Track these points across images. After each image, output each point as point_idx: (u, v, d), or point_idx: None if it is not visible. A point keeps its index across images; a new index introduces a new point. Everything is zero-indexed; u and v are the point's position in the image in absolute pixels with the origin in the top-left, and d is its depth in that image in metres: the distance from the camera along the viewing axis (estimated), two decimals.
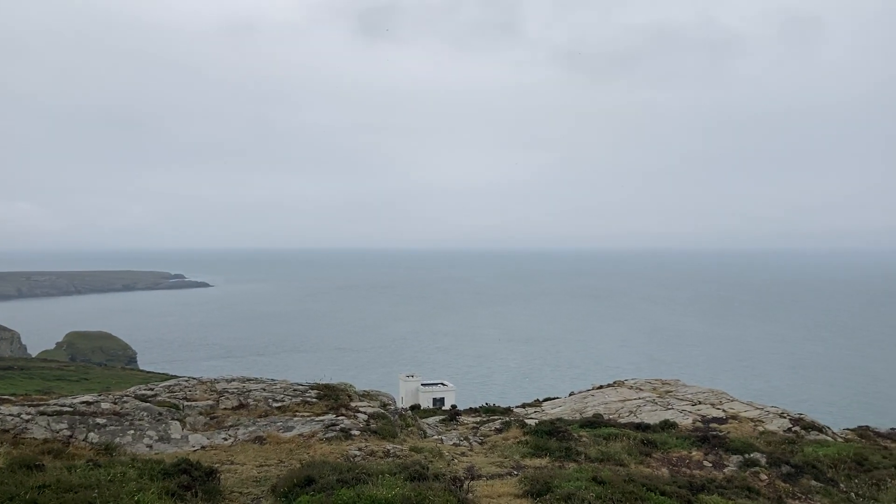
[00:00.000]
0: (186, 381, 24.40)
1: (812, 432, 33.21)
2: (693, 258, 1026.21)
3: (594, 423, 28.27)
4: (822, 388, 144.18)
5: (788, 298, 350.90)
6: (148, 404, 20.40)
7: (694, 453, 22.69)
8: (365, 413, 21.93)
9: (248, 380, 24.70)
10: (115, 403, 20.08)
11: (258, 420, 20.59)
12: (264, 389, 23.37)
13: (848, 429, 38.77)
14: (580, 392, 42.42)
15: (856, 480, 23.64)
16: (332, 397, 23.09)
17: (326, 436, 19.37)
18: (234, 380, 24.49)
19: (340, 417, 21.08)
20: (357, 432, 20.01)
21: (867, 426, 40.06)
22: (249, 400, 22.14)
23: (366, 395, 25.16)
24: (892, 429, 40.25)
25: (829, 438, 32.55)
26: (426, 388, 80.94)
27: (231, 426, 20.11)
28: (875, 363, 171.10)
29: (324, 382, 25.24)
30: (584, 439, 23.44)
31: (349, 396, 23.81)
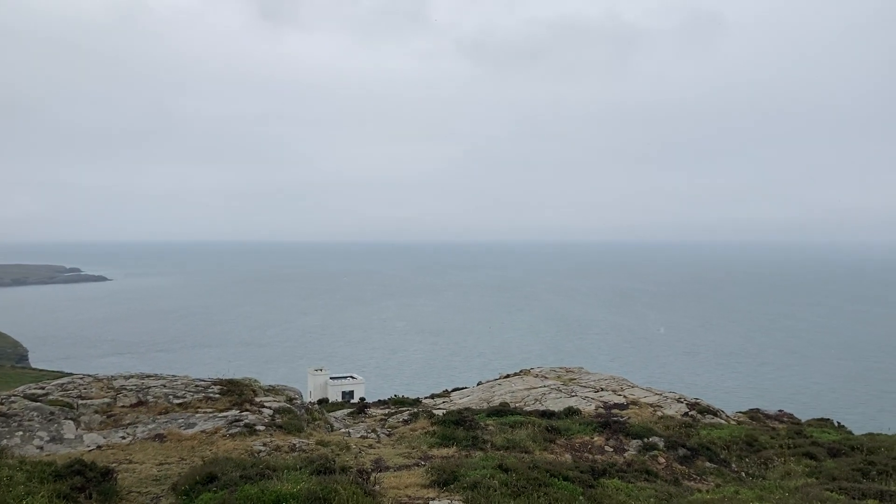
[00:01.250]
0: (81, 378, 23.37)
1: (707, 416, 34.74)
2: (599, 250, 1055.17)
3: (501, 411, 28.69)
4: (716, 373, 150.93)
5: (687, 288, 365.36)
6: (38, 404, 19.44)
7: (596, 439, 23.35)
8: (270, 408, 21.56)
9: (148, 376, 23.87)
10: (2, 404, 19.04)
11: (158, 417, 19.95)
12: (165, 386, 22.65)
13: (740, 412, 40.75)
14: (488, 381, 42.99)
15: (746, 460, 24.87)
16: (236, 393, 22.59)
17: (230, 432, 18.94)
18: (132, 376, 23.62)
19: (245, 413, 20.66)
20: (262, 427, 19.66)
21: (757, 409, 42.20)
22: (149, 397, 21.41)
23: (271, 390, 24.73)
24: (779, 410, 42.53)
25: (722, 421, 34.12)
26: (335, 381, 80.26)
27: (129, 424, 19.41)
28: (764, 349, 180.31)
29: (227, 378, 24.67)
30: (491, 428, 23.76)
31: (254, 391, 23.35)
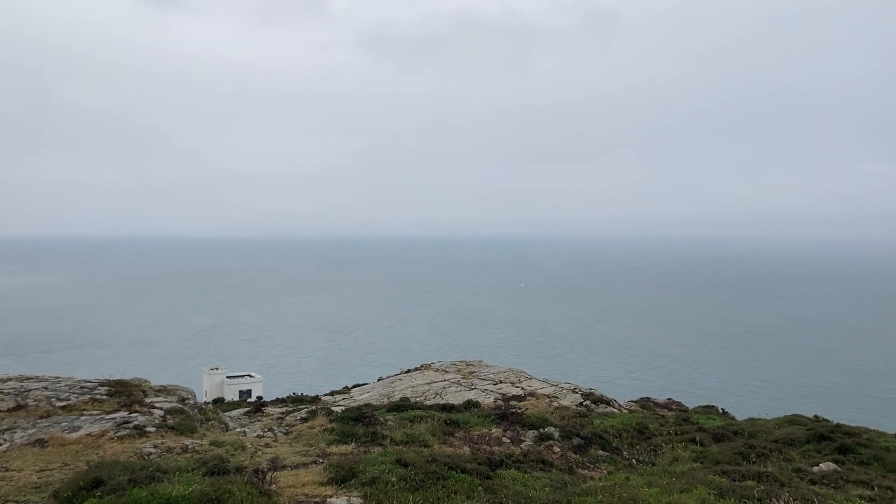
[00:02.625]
0: None
1: (601, 405, 35.86)
2: (500, 245, 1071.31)
3: (401, 406, 28.72)
4: (610, 363, 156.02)
5: (584, 282, 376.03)
6: None
7: (494, 430, 23.70)
8: (161, 409, 20.81)
9: (28, 378, 22.59)
10: None
11: (39, 421, 18.92)
12: (47, 388, 21.49)
13: (632, 400, 42.26)
14: (388, 377, 42.95)
15: (637, 447, 25.81)
16: (125, 394, 21.69)
17: (118, 434, 18.17)
18: (9, 379, 22.30)
19: (134, 414, 19.87)
20: (153, 429, 18.95)
21: (648, 397, 43.86)
22: (29, 400, 20.27)
23: (163, 390, 23.89)
24: (668, 399, 44.34)
25: (615, 410, 35.29)
26: (232, 380, 78.42)
27: (6, 430, 18.32)
28: (655, 340, 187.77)
29: (116, 378, 23.65)
30: (391, 423, 23.75)
31: (144, 392, 22.49)
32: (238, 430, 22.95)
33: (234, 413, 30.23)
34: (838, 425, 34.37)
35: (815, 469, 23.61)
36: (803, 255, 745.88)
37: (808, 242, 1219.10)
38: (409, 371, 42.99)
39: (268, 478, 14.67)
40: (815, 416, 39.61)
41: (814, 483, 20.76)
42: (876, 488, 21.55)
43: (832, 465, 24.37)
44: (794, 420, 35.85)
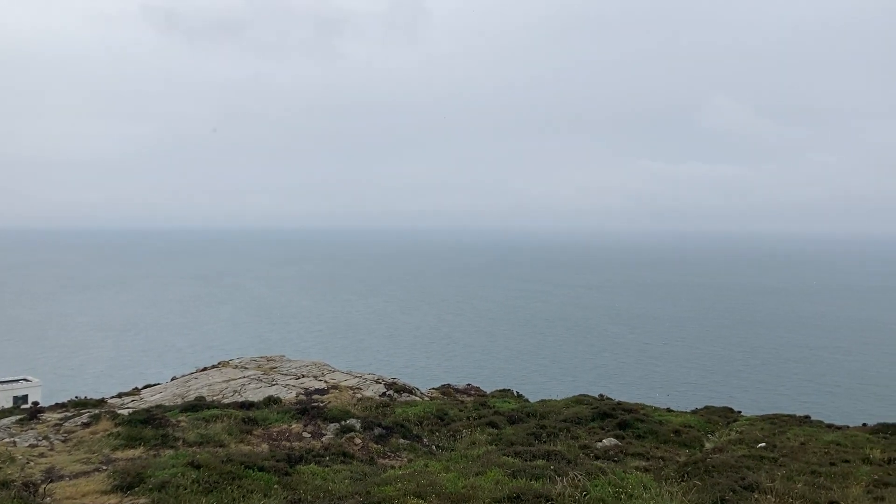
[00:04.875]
0: None
1: (404, 394, 36.35)
2: (305, 237, 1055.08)
3: (196, 406, 27.40)
4: (414, 353, 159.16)
5: (389, 274, 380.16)
6: None
7: (294, 426, 23.24)
8: None
9: None
10: None
11: None
12: None
13: (434, 388, 43.24)
14: (183, 376, 40.89)
15: (437, 434, 26.40)
16: None
17: None
18: None
19: None
20: None
21: (448, 384, 45.08)
22: None
23: None
24: (468, 384, 45.85)
25: (417, 398, 35.91)
26: (4, 385, 71.18)
27: None
28: (455, 328, 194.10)
29: None
30: (184, 424, 22.56)
31: None
32: (6, 440, 20.73)
33: (4, 422, 27.35)
34: (619, 403, 37.26)
35: (599, 445, 25.40)
36: (595, 244, 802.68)
37: (594, 233, 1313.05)
38: (205, 369, 41.17)
39: (41, 490, 13.37)
40: (600, 395, 42.69)
41: (598, 458, 22.31)
42: (650, 459, 23.58)
43: (614, 441, 26.35)
44: (580, 400, 38.36)
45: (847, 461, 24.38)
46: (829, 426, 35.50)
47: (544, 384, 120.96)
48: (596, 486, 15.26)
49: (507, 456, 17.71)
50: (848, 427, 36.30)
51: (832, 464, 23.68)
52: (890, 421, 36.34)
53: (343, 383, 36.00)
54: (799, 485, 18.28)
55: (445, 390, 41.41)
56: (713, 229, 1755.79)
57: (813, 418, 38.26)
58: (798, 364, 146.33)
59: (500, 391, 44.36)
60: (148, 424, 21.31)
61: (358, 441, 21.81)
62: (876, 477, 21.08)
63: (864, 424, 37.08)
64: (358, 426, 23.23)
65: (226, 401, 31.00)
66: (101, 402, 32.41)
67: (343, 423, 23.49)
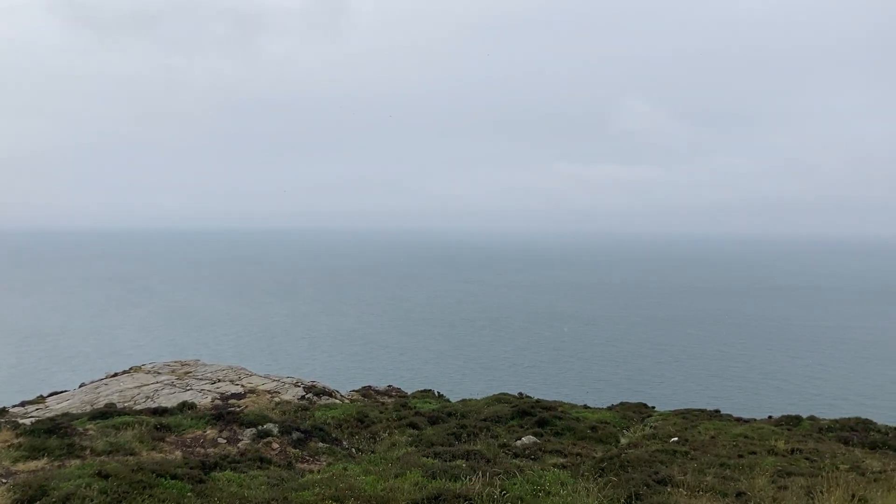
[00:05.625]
0: None
1: (323, 397, 35.91)
2: (221, 237, 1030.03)
3: (106, 413, 26.38)
4: (335, 355, 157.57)
5: (308, 275, 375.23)
6: None
7: (209, 432, 22.64)
8: None
9: None
10: None
11: None
12: None
13: (354, 390, 42.90)
14: (93, 382, 39.37)
15: (357, 436, 26.19)
16: None
17: None
18: None
19: None
20: None
21: (369, 386, 44.84)
22: None
23: None
24: (388, 385, 45.68)
25: (337, 401, 35.55)
26: None
27: None
28: (377, 330, 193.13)
29: None
30: (92, 432, 21.68)
31: None
32: None
33: None
34: (538, 401, 37.82)
35: (518, 443, 25.69)
36: (513, 245, 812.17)
37: (516, 233, 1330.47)
38: (116, 375, 39.74)
39: None
40: (520, 394, 43.25)
41: (517, 456, 22.55)
42: (568, 455, 23.98)
43: (532, 438, 26.70)
44: (500, 399, 38.78)
45: (754, 453, 25.40)
46: (738, 420, 36.95)
47: (465, 384, 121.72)
48: (514, 484, 15.39)
49: (427, 457, 17.68)
50: (755, 420, 37.86)
51: (740, 456, 24.64)
52: (792, 413, 38.12)
53: (261, 387, 35.33)
54: (709, 477, 18.91)
55: (366, 392, 41.16)
56: (626, 230, 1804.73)
57: (722, 412, 39.76)
58: (708, 360, 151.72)
59: (422, 392, 44.39)
60: (53, 434, 20.37)
61: (275, 446, 21.41)
62: (780, 467, 22.03)
63: (770, 417, 38.76)
64: (276, 430, 22.81)
65: (138, 407, 29.99)
66: (2, 412, 30.87)
67: (260, 427, 23.01)
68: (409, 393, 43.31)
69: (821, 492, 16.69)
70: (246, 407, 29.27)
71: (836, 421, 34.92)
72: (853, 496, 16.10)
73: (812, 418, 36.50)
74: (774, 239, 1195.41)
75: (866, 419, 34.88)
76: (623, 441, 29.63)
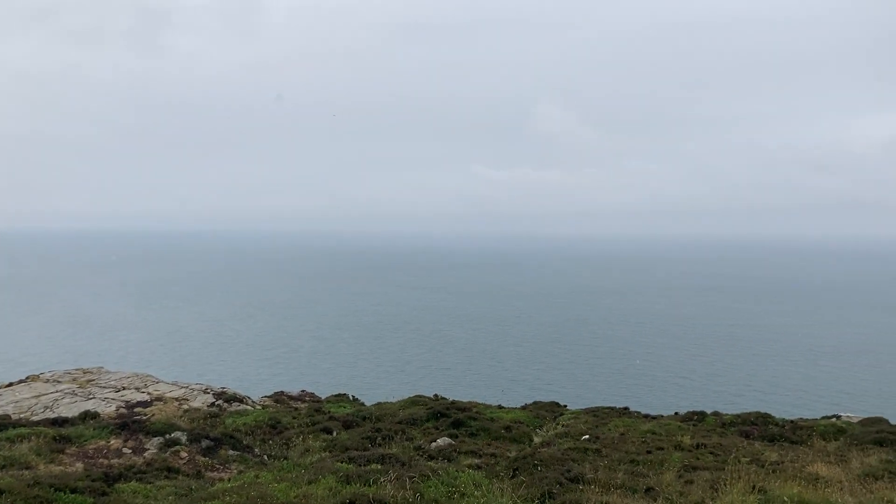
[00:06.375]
0: None
1: (235, 403, 35.10)
2: (124, 239, 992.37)
3: (1, 425, 25.02)
4: (246, 360, 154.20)
5: (220, 277, 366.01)
6: None
7: (113, 442, 21.76)
8: None
9: None
10: None
11: None
12: None
13: (266, 396, 42.10)
14: None
15: (269, 443, 25.68)
16: None
17: None
18: None
19: None
20: None
21: (282, 391, 44.09)
22: None
23: None
24: (302, 391, 45.05)
25: (249, 408, 34.80)
26: None
27: None
28: (292, 334, 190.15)
29: None
30: None
31: None
32: None
33: None
34: (453, 402, 37.98)
35: (434, 445, 25.71)
36: (432, 247, 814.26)
37: (435, 236, 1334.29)
38: (11, 385, 37.74)
39: None
40: (435, 396, 43.32)
41: (432, 458, 22.56)
42: (482, 456, 24.15)
43: (448, 440, 26.78)
44: (416, 401, 38.74)
45: (662, 448, 26.21)
46: (646, 416, 38.07)
47: (381, 387, 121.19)
48: (429, 486, 15.37)
49: (342, 462, 17.47)
50: (662, 416, 39.10)
51: (649, 452, 25.38)
52: (698, 409, 39.53)
53: (168, 395, 34.25)
54: (619, 474, 19.39)
55: (279, 398, 40.46)
56: (541, 232, 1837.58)
57: (631, 409, 40.87)
58: (616, 359, 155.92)
59: (336, 396, 43.91)
60: None
61: (184, 455, 20.74)
62: (686, 462, 22.81)
63: (676, 413, 40.10)
64: (184, 439, 22.10)
65: (35, 418, 28.58)
66: None
67: (167, 436, 22.26)
68: (323, 398, 42.78)
69: (724, 484, 17.36)
70: (153, 415, 28.30)
71: (737, 416, 36.45)
72: (753, 487, 16.80)
73: (716, 413, 37.96)
74: (680, 240, 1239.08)
75: (765, 413, 36.54)
76: (536, 440, 30.07)
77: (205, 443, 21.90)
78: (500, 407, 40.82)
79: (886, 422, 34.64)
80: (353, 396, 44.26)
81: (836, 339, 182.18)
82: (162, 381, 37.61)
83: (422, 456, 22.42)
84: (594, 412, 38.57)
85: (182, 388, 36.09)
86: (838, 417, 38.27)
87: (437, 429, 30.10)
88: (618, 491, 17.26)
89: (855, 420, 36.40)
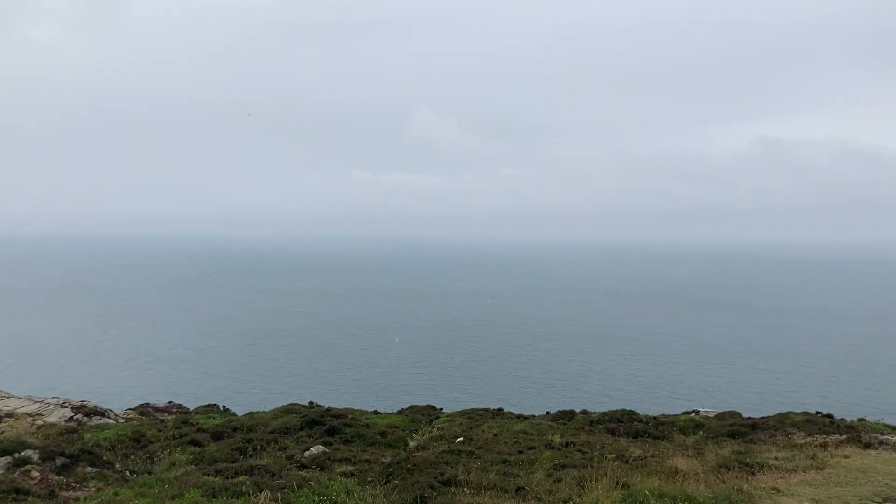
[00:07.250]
0: None
1: (95, 417, 33.24)
2: None
3: None
4: (109, 371, 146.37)
5: (81, 285, 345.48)
6: None
7: None
8: None
9: None
10: None
11: None
12: None
13: (130, 408, 40.11)
14: None
15: (132, 458, 24.43)
16: None
17: None
18: None
19: None
20: None
21: (147, 403, 42.17)
22: None
23: None
24: (169, 402, 43.25)
25: (111, 421, 33.03)
26: None
27: None
28: (159, 344, 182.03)
29: None
30: None
31: None
32: None
33: None
34: (328, 409, 37.51)
35: (307, 454, 25.26)
36: (308, 252, 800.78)
37: (309, 241, 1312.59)
38: None
39: None
40: (310, 403, 42.64)
41: (304, 467, 22.15)
42: (357, 462, 23.95)
43: (322, 448, 26.39)
44: (290, 409, 37.99)
45: (533, 448, 26.90)
46: (519, 416, 38.98)
47: (254, 396, 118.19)
48: (300, 496, 15.07)
49: (208, 475, 16.84)
50: (534, 416, 40.16)
51: (521, 451, 25.98)
52: (567, 408, 40.86)
53: (20, 410, 31.99)
54: (492, 475, 19.73)
55: (144, 410, 38.67)
56: (416, 236, 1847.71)
57: (505, 410, 41.72)
58: (491, 361, 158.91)
59: (206, 407, 42.42)
60: None
61: (35, 474, 19.40)
62: (556, 461, 23.49)
63: (548, 413, 41.29)
64: (35, 457, 20.67)
65: None
66: None
67: (16, 455, 20.74)
68: (191, 409, 41.23)
69: (590, 481, 18.00)
70: (1, 433, 26.34)
71: (605, 413, 37.93)
72: (617, 483, 17.52)
73: (584, 412, 39.36)
74: (554, 244, 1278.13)
75: (630, 410, 38.22)
76: (412, 444, 30.16)
77: (60, 460, 20.57)
78: (376, 412, 40.68)
79: (739, 415, 37.06)
80: (223, 407, 42.89)
81: (695, 338, 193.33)
82: (13, 396, 35.10)
83: (294, 465, 21.98)
84: (469, 414, 39.10)
85: (36, 402, 33.81)
86: (697, 412, 40.60)
87: (312, 437, 29.63)
88: (489, 492, 17.56)
89: (712, 414, 38.71)
